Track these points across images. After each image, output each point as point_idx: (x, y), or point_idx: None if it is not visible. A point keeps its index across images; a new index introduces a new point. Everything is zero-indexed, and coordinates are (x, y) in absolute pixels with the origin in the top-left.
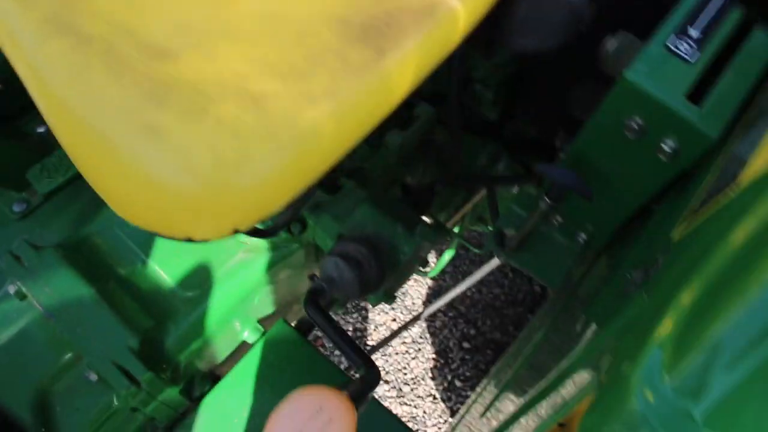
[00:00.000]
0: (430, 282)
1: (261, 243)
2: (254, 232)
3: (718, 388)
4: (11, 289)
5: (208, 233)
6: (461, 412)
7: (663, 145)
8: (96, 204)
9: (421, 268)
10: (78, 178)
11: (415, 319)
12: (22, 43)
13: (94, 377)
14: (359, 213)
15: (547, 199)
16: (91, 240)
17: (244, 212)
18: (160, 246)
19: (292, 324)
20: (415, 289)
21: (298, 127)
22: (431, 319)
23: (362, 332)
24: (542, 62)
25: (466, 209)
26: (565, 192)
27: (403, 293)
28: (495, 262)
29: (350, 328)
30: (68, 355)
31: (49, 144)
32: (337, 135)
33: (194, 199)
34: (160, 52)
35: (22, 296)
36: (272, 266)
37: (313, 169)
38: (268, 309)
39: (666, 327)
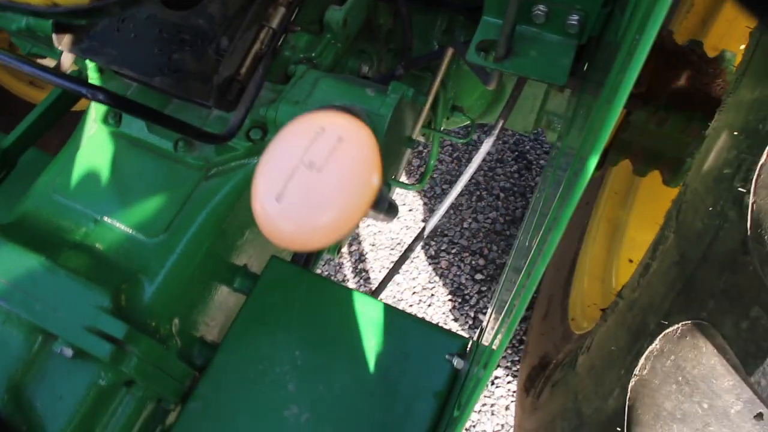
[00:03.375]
0: (419, 213)
1: (223, 165)
2: (208, 137)
3: None
4: None
5: None
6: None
7: None
8: (26, 183)
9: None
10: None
11: (418, 237)
12: None
13: (69, 352)
14: (321, 89)
15: None
16: (31, 215)
17: None
18: (109, 198)
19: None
20: (403, 222)
21: None
22: (435, 261)
23: (365, 275)
24: None
25: (436, 89)
26: None
27: (394, 232)
28: (489, 143)
29: (350, 273)
30: (34, 338)
31: None
32: None
33: None
34: None
35: None
36: (241, 187)
37: None
38: (253, 246)
39: None
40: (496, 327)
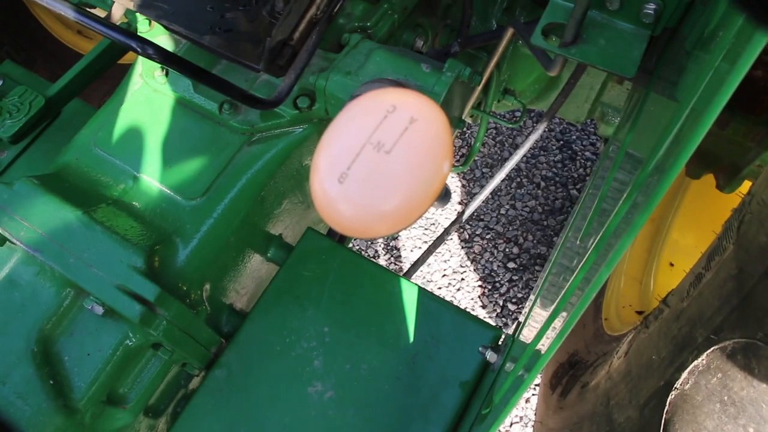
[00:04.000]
0: (456, 198)
1: (267, 131)
2: (255, 101)
3: None
4: None
5: None
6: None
7: None
8: (68, 134)
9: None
10: (42, 120)
11: (455, 222)
12: None
13: (99, 310)
14: (374, 60)
15: None
16: (70, 166)
17: None
18: (150, 156)
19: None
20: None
21: None
22: (468, 245)
23: (396, 253)
24: None
25: (491, 70)
26: None
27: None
28: (540, 131)
29: (381, 249)
30: (66, 293)
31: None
32: None
33: None
34: None
35: (1, 240)
36: (284, 156)
37: None
38: (290, 216)
39: None
40: (539, 327)
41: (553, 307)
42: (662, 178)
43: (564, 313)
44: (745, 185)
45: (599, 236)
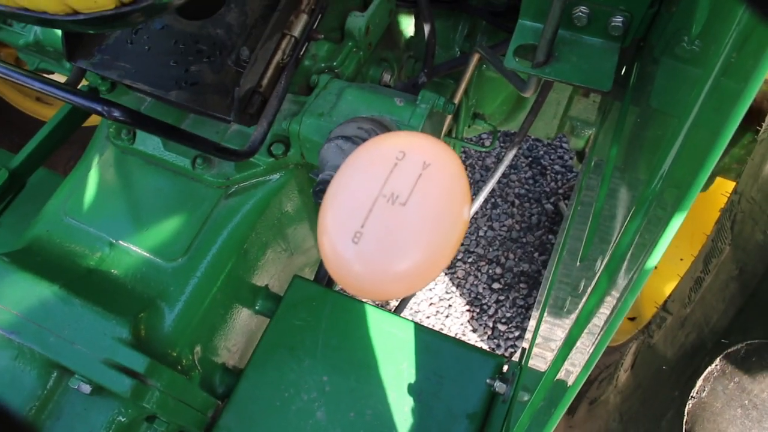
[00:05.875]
0: None
1: (243, 182)
2: (228, 153)
3: None
4: None
5: None
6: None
7: None
8: (36, 205)
9: None
10: (6, 194)
11: None
12: None
13: (87, 389)
14: (346, 99)
15: None
16: (42, 239)
17: None
18: (125, 220)
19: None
20: None
21: None
22: (451, 271)
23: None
24: None
25: (459, 96)
26: None
27: None
28: (514, 150)
29: None
30: (49, 374)
31: None
32: None
33: None
34: None
35: None
36: (263, 206)
37: None
38: (275, 265)
39: None
40: (554, 355)
41: (566, 334)
42: (683, 195)
43: (583, 340)
44: (718, 183)
45: (607, 257)
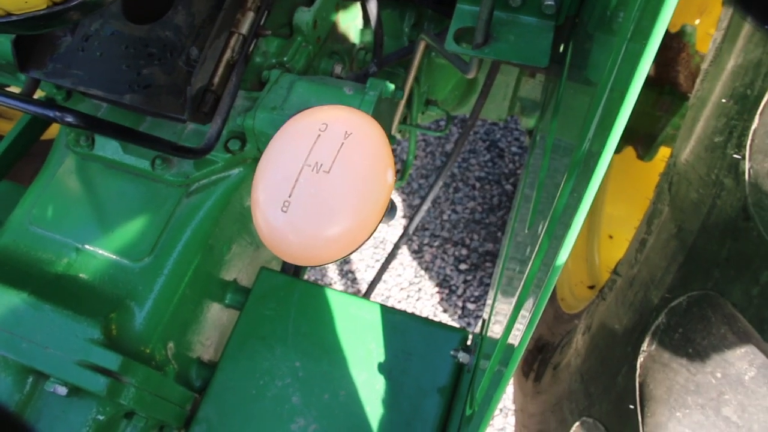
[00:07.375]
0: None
1: (203, 179)
2: (186, 151)
3: None
4: None
5: None
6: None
7: None
8: (1, 218)
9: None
10: None
11: (403, 236)
12: None
13: (63, 390)
14: (297, 92)
15: None
16: (8, 249)
17: None
18: (89, 225)
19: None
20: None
21: None
22: (419, 255)
23: (351, 276)
24: None
25: (410, 84)
26: None
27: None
28: (468, 133)
29: (336, 275)
30: (25, 379)
31: None
32: None
33: None
34: None
35: None
36: (224, 201)
37: None
38: (241, 259)
39: None
40: (506, 320)
41: (515, 298)
42: (597, 159)
43: (530, 301)
44: (663, 152)
45: (548, 221)
